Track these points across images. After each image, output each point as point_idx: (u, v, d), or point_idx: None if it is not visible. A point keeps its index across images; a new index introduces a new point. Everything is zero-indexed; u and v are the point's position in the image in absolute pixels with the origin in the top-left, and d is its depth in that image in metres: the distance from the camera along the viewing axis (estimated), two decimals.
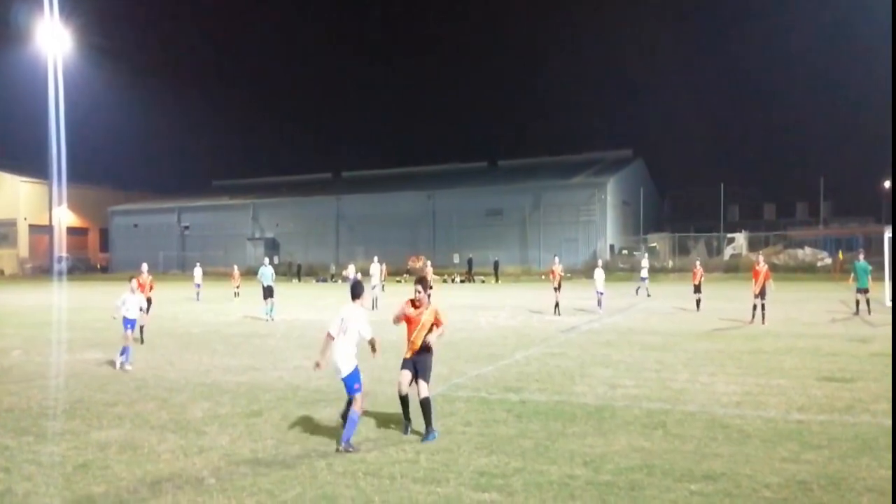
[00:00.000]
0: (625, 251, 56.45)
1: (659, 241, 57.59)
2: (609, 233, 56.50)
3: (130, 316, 12.37)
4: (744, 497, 5.51)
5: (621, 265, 53.69)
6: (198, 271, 32.48)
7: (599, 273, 22.64)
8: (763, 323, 17.50)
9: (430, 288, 11.41)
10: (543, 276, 51.27)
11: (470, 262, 51.60)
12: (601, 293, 22.30)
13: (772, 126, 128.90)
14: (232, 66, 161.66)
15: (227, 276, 40.50)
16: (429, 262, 32.95)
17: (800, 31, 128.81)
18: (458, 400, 9.16)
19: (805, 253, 48.21)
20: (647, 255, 32.73)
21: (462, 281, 49.50)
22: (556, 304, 21.60)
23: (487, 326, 18.49)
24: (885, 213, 57.40)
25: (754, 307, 18.10)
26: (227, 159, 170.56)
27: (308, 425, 7.87)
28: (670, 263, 53.93)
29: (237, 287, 31.85)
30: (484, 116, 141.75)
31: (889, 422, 7.59)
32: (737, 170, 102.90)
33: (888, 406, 8.35)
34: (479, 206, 59.72)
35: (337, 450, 6.80)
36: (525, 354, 13.20)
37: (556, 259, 23.82)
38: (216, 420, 8.20)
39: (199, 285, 31.65)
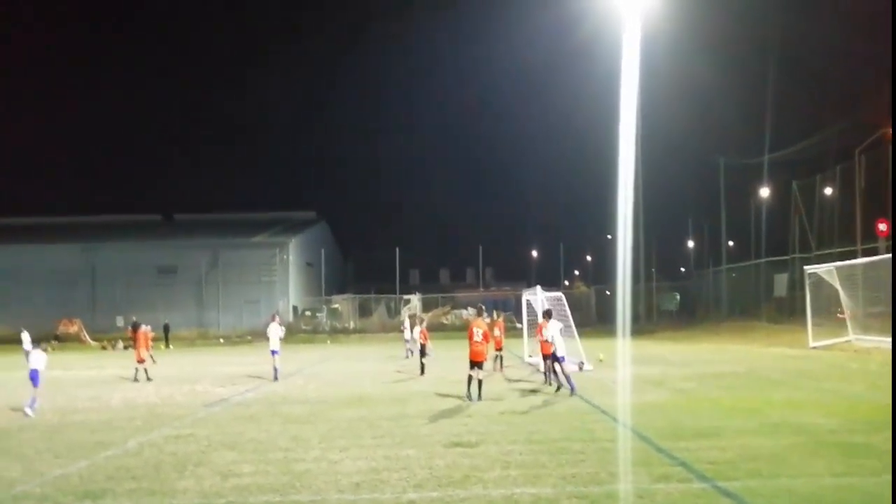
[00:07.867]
0: (308, 312, 55.93)
1: (342, 302, 58.32)
2: (292, 294, 55.48)
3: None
4: None
5: (304, 326, 52.96)
6: None
7: (274, 330, 20.05)
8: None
9: None
10: (222, 340, 47.89)
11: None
12: (275, 352, 19.81)
13: (447, 202, 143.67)
14: None
15: None
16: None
17: (468, 118, 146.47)
18: None
19: (468, 313, 52.72)
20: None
21: (126, 347, 43.59)
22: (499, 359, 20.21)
23: (119, 403, 15.67)
24: (533, 278, 65.80)
25: None
26: None
27: None
28: (352, 324, 54.87)
29: None
30: (159, 167, 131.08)
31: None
32: (418, 238, 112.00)
33: (501, 472, 8.29)
34: (149, 263, 54.20)
35: None
36: (142, 440, 11.06)
37: (495, 314, 22.54)
38: None
39: None
